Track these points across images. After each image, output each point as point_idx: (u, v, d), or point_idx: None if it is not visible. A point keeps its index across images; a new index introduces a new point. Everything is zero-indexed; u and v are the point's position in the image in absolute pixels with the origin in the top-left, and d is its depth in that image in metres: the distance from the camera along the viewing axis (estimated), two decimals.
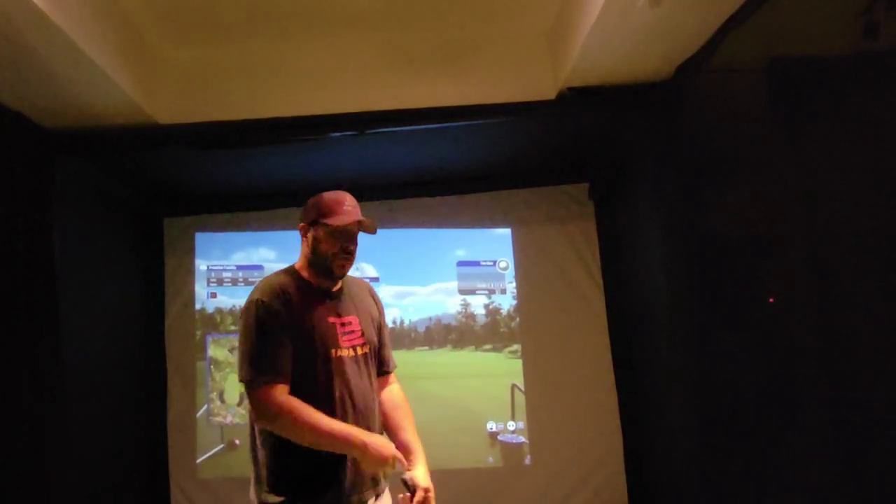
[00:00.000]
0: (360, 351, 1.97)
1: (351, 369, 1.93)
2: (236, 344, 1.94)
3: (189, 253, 4.35)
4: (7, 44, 2.37)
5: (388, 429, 2.06)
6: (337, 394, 1.89)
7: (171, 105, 3.25)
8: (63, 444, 3.04)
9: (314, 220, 1.96)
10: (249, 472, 1.93)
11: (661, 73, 2.98)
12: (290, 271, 2.01)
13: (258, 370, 1.81)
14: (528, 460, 4.12)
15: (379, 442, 1.82)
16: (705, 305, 2.93)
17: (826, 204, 2.05)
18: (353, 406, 1.91)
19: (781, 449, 2.38)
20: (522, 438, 4.14)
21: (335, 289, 2.02)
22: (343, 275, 2.00)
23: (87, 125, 3.12)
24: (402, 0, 3.01)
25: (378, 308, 2.17)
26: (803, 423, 2.25)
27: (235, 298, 4.31)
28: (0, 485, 2.68)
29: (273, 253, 4.40)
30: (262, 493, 1.86)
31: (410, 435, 2.02)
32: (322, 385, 1.88)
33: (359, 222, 1.95)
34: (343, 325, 1.96)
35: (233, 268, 4.37)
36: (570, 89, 3.12)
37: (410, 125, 3.31)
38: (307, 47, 3.30)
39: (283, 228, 4.40)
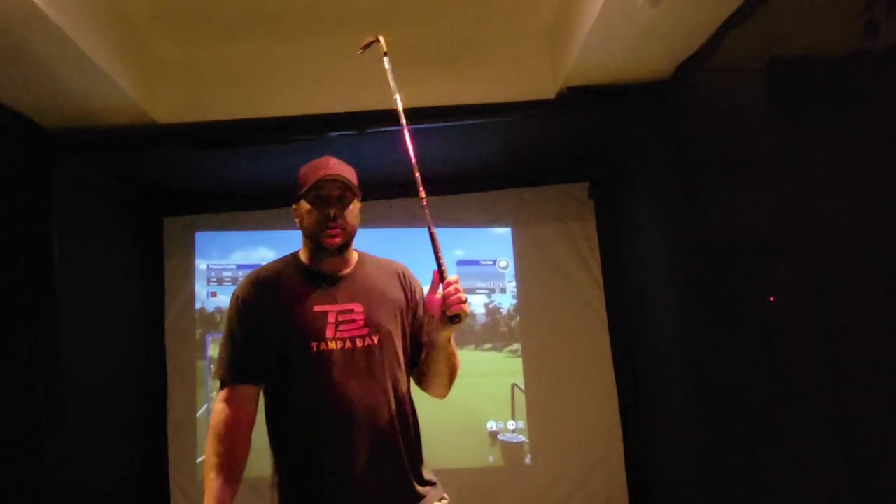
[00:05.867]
0: (359, 343, 1.69)
1: (341, 365, 1.66)
2: None
3: (189, 252, 4.35)
4: (7, 44, 2.37)
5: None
6: (317, 394, 1.65)
7: (170, 105, 3.25)
8: (62, 444, 3.04)
9: (296, 198, 1.79)
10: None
11: (661, 72, 2.98)
12: (289, 256, 1.86)
13: (217, 369, 1.74)
14: (528, 460, 4.12)
15: None
16: (705, 305, 2.93)
17: (826, 203, 2.05)
18: (339, 409, 1.64)
19: (781, 448, 2.38)
20: (522, 438, 4.14)
21: (343, 272, 1.79)
22: (334, 247, 1.74)
23: (87, 125, 3.11)
24: (402, 0, 3.01)
25: (408, 293, 1.87)
26: (803, 422, 2.25)
27: None
28: (0, 485, 2.68)
29: (273, 253, 4.39)
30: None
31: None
32: (302, 385, 1.66)
33: (324, 178, 1.71)
34: (340, 313, 1.70)
35: (233, 267, 4.36)
36: (570, 89, 3.11)
37: (410, 125, 3.29)
38: (307, 47, 3.30)
39: (283, 228, 4.38)
